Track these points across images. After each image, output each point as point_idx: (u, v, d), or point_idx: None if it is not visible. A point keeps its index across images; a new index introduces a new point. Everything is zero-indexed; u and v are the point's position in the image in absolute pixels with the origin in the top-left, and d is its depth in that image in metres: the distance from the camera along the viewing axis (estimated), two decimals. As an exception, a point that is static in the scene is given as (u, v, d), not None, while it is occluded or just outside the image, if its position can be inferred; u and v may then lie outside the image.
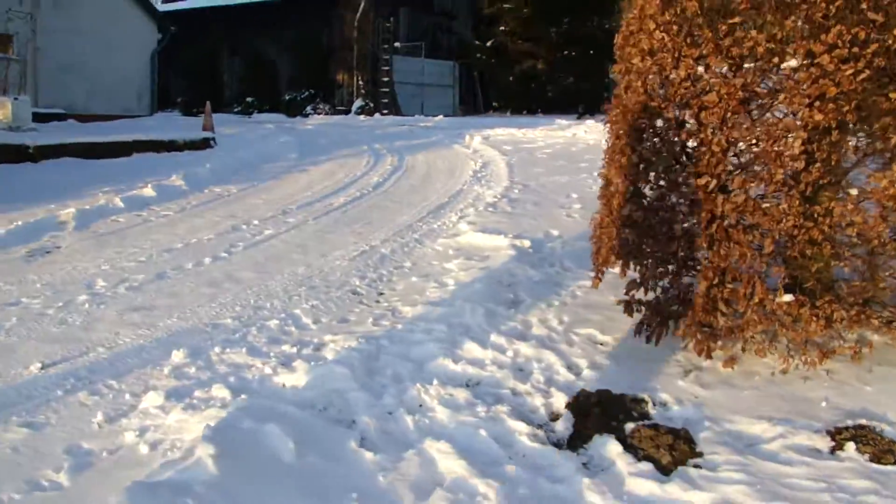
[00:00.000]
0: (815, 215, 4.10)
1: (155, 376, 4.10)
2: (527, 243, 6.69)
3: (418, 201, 9.45)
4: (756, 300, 4.03)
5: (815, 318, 4.04)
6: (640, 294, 4.31)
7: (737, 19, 4.01)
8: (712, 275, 4.05)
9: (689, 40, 4.01)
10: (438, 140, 17.30)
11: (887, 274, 4.19)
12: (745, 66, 4.08)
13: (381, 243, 7.17)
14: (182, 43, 26.15)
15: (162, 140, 14.47)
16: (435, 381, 3.87)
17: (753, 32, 4.00)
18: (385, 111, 26.78)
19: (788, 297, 4.07)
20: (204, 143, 15.14)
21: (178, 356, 4.29)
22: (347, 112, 26.82)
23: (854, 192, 4.06)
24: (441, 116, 26.11)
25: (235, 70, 30.10)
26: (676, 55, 4.00)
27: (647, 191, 4.28)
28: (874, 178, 4.02)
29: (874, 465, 3.22)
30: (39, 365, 4.21)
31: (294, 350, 4.46)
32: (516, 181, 10.60)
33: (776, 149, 3.99)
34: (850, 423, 3.62)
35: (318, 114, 26.61)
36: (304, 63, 27.68)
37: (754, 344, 4.18)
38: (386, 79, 27.27)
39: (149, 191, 9.46)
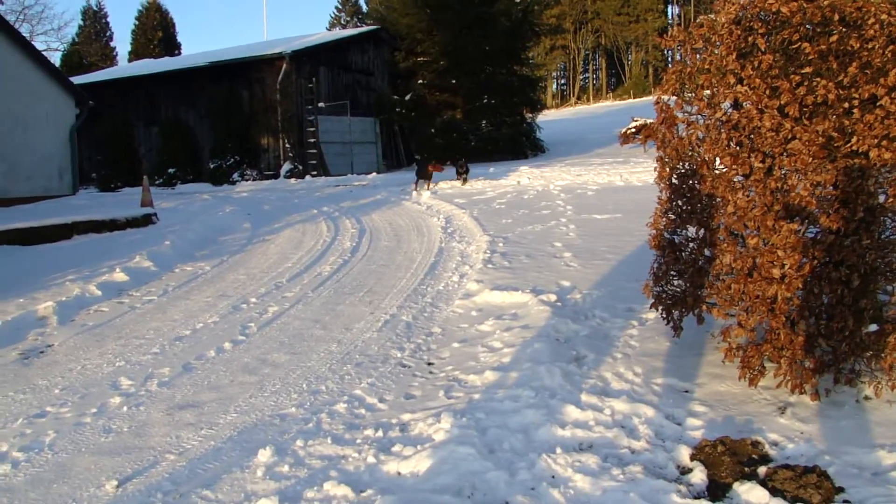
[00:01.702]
0: (889, 248, 4.23)
1: (250, 480, 3.85)
2: (553, 297, 6.65)
3: (405, 263, 9.31)
4: (847, 333, 4.09)
5: (900, 345, 4.14)
6: (739, 339, 4.29)
7: (808, 69, 4.09)
8: (809, 313, 4.08)
9: (768, 92, 4.06)
10: (384, 198, 17.21)
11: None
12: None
13: (398, 311, 7.00)
14: (94, 116, 25.44)
15: (103, 220, 13.88)
16: (559, 450, 3.79)
17: (824, 81, 4.09)
18: (314, 173, 26.51)
19: (874, 327, 4.17)
20: (146, 220, 14.60)
21: (264, 455, 4.04)
22: (276, 176, 26.42)
23: (919, 220, 4.17)
24: (374, 174, 26.07)
25: (153, 141, 29.31)
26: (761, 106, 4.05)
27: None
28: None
29: None
30: (115, 483, 3.90)
31: (380, 434, 4.28)
32: (492, 234, 10.58)
33: (854, 188, 4.06)
34: None
35: (246, 180, 26.12)
36: (225, 129, 27.16)
37: (843, 375, 4.25)
38: (312, 139, 27.03)
39: (120, 275, 9.02)
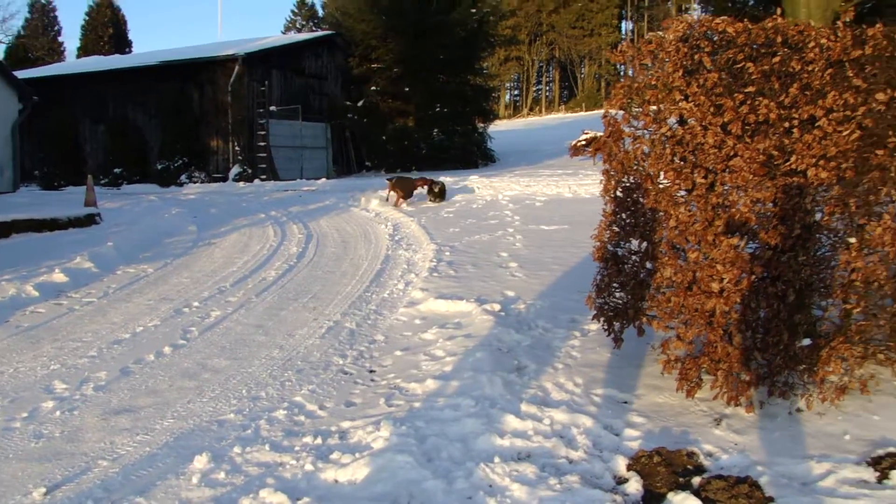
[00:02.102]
0: (823, 264, 4.35)
1: (185, 487, 3.78)
2: (497, 307, 6.67)
3: (351, 270, 9.26)
4: (782, 347, 4.19)
5: (832, 359, 4.27)
6: (677, 351, 4.35)
7: (752, 88, 4.18)
8: (746, 327, 4.16)
9: (712, 109, 4.13)
10: (333, 204, 17.12)
11: (887, 312, 4.47)
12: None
13: (341, 317, 6.96)
14: (39, 112, 24.90)
15: (44, 219, 13.55)
16: (497, 459, 3.80)
17: (766, 100, 4.18)
18: (263, 176, 26.26)
19: (807, 341, 4.29)
20: (89, 220, 14.30)
21: (200, 461, 3.97)
22: (225, 179, 26.11)
23: (853, 240, 4.30)
24: (324, 179, 25.91)
25: (100, 139, 28.72)
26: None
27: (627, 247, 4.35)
28: (870, 226, 4.28)
29: (921, 491, 3.44)
30: (43, 490, 3.78)
31: (319, 441, 4.23)
32: (439, 242, 10.59)
33: (792, 205, 4.16)
34: (880, 452, 3.88)
35: (194, 182, 25.76)
36: (175, 130, 26.75)
37: (777, 388, 4.35)
38: (262, 143, 26.79)
39: (59, 276, 8.81)
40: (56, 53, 59.39)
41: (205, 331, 6.63)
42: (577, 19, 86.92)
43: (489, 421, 4.28)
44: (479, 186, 19.23)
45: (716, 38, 4.46)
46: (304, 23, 67.72)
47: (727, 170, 4.21)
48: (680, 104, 4.22)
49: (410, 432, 4.12)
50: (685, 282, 4.21)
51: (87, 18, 57.85)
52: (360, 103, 31.99)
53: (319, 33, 36.17)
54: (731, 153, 4.18)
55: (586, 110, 75.59)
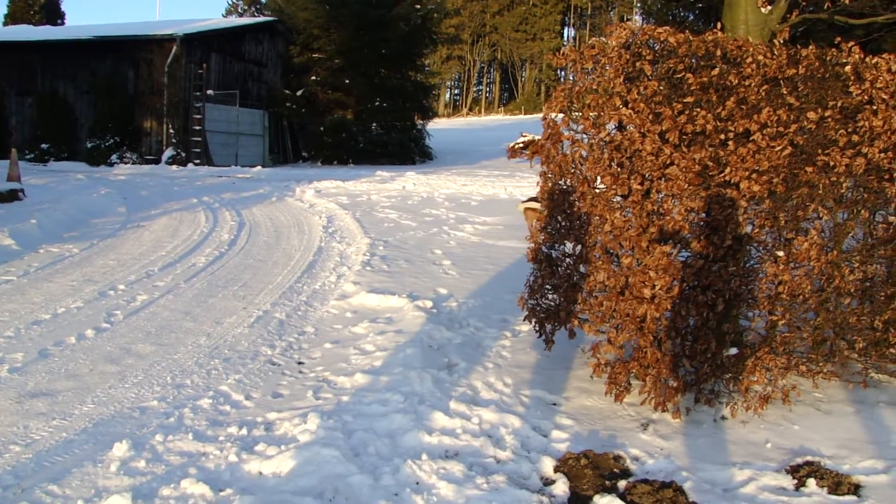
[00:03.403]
0: (752, 276, 4.46)
1: (102, 475, 3.66)
2: (429, 304, 6.65)
3: (283, 260, 9.13)
4: (710, 355, 4.28)
5: (757, 368, 4.38)
6: (608, 355, 4.40)
7: (690, 99, 4.25)
8: (675, 334, 4.23)
9: (651, 117, 4.19)
10: (267, 193, 16.87)
11: (810, 325, 4.62)
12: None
13: (271, 307, 6.85)
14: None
15: (-37, 192, 13.06)
16: (424, 456, 3.77)
17: (703, 112, 4.26)
18: (197, 161, 25.74)
19: (734, 350, 4.39)
20: (11, 195, 13.77)
21: (120, 449, 3.86)
22: (157, 161, 25.50)
23: (781, 253, 4.42)
24: (259, 167, 25.50)
25: (27, 112, 27.66)
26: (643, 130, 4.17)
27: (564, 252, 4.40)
28: (797, 241, 4.40)
29: (835, 497, 3.60)
30: (-52, 474, 3.62)
31: (244, 432, 4.15)
32: (373, 237, 10.53)
33: (724, 216, 4.25)
34: (799, 460, 3.98)
35: (125, 163, 25.08)
36: (107, 108, 25.95)
37: (703, 395, 4.45)
38: (198, 127, 26.23)
39: (-24, 252, 8.50)
40: (-19, 21, 57.15)
41: (130, 315, 6.46)
42: (521, 23, 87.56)
43: (417, 418, 4.26)
44: (415, 183, 19.22)
45: (657, 48, 4.52)
46: (245, 7, 66.50)
47: (663, 178, 4.27)
48: (620, 110, 4.27)
49: (338, 426, 4.08)
50: (618, 286, 4.26)
51: (16, -15, 55.81)
52: (299, 92, 31.62)
53: (261, 19, 35.65)
54: (668, 161, 4.25)
55: (525, 113, 76.16)
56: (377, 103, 31.53)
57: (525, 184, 19.48)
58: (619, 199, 4.37)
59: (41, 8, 54.23)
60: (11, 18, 52.09)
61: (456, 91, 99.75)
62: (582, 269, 4.58)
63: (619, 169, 4.29)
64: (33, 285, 7.41)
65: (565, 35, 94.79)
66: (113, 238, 10.34)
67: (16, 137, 26.16)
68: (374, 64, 31.24)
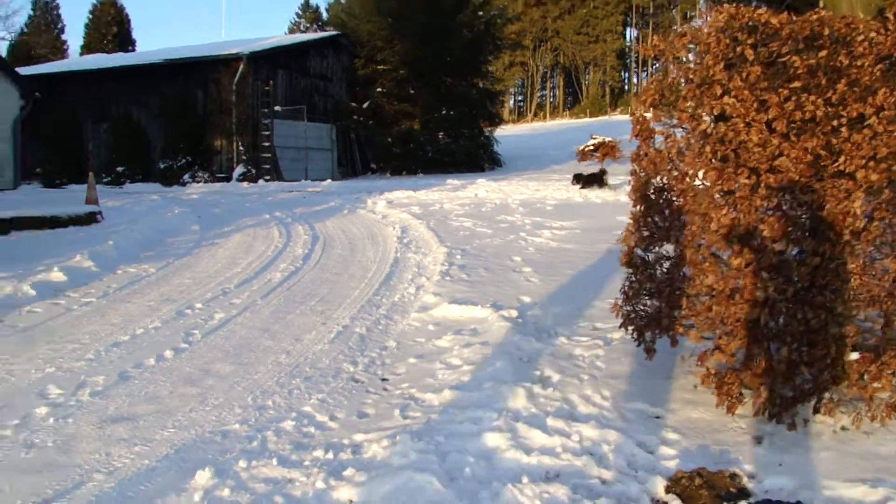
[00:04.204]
0: (876, 273, 4.07)
1: (187, 505, 3.46)
2: (514, 313, 6.39)
3: (359, 273, 8.97)
4: (829, 361, 3.91)
5: (882, 374, 3.99)
6: (718, 364, 4.06)
7: (797, 83, 3.90)
8: (791, 339, 3.88)
9: (756, 105, 3.85)
10: (339, 206, 16.82)
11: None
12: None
13: (351, 322, 6.67)
14: (41, 109, 24.60)
15: (44, 216, 13.28)
16: (525, 479, 3.51)
17: (812, 97, 3.91)
18: (268, 177, 26.00)
19: (855, 355, 4.01)
20: (90, 218, 14.03)
21: (203, 477, 3.68)
22: (228, 179, 25.84)
23: (904, 247, 4.02)
24: (329, 181, 25.64)
25: (102, 137, 28.45)
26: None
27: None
28: (922, 232, 3.99)
29: None
30: (31, 506, 3.48)
31: (330, 456, 3.94)
32: (449, 246, 10.30)
33: (840, 209, 3.88)
34: None
35: (197, 182, 25.50)
36: (178, 129, 26.49)
37: (823, 404, 4.08)
38: (267, 143, 26.50)
39: (57, 275, 8.52)
40: (59, 51, 59.17)
41: (208, 334, 6.35)
42: (582, 25, 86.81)
43: (514, 436, 3.99)
44: (486, 190, 18.99)
45: (758, 30, 4.17)
46: (308, 25, 67.54)
47: (772, 170, 3.92)
48: (722, 99, 3.93)
49: (430, 448, 3.83)
50: (727, 289, 3.92)
51: (90, 16, 57.64)
52: (365, 105, 31.73)
53: (325, 34, 35.95)
54: (777, 152, 3.90)
55: (591, 116, 75.39)
56: (443, 112, 31.41)
57: (598, 187, 19.08)
58: (721, 195, 4.03)
59: (114, 37, 55.95)
60: (87, 49, 53.91)
61: (520, 97, 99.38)
62: (685, 271, 4.24)
63: (723, 163, 3.95)
64: (112, 306, 7.38)
65: (628, 35, 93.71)
66: (188, 256, 10.35)
67: (92, 162, 26.83)
68: (438, 73, 31.15)
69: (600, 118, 71.14)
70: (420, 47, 30.49)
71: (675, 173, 4.35)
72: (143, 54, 36.82)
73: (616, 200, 16.00)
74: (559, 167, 30.55)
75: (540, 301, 7.02)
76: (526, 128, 68.27)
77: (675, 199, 4.31)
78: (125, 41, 57.20)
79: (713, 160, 4.00)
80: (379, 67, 32.11)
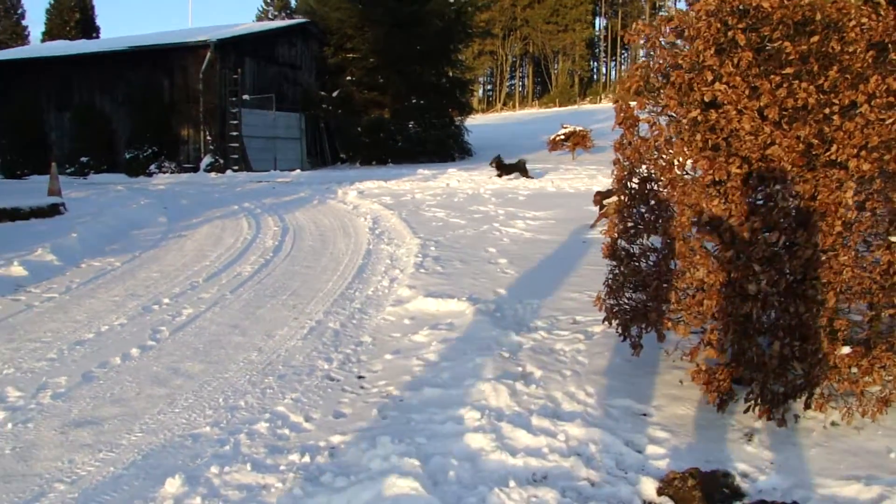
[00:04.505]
0: (866, 265, 3.97)
1: (155, 515, 3.27)
2: (492, 307, 6.26)
3: (331, 265, 8.76)
4: (821, 356, 3.80)
5: (874, 368, 3.89)
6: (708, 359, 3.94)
7: (789, 70, 3.77)
8: (783, 334, 3.75)
9: (748, 92, 3.72)
10: (308, 196, 16.55)
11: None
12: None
13: (324, 316, 6.47)
14: (0, 97, 24.03)
15: (4, 208, 12.84)
16: (512, 482, 3.36)
17: (805, 84, 3.78)
18: (236, 167, 25.58)
19: (846, 350, 3.92)
20: (53, 210, 13.63)
21: (173, 485, 3.48)
22: (196, 170, 25.39)
23: (895, 239, 3.92)
24: (298, 171, 25.30)
25: (65, 126, 27.76)
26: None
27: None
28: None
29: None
30: (-13, 518, 3.27)
31: (307, 459, 3.76)
32: (423, 237, 10.12)
33: (832, 200, 3.76)
34: None
35: (164, 172, 25.02)
36: (144, 118, 25.93)
37: (814, 400, 3.97)
38: (235, 133, 26.05)
39: (18, 269, 8.22)
40: (19, 38, 57.91)
41: (176, 330, 6.12)
42: (552, 14, 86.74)
43: (498, 437, 3.84)
44: (458, 180, 18.82)
45: (749, 14, 4.03)
46: (276, 13, 66.66)
47: (763, 159, 3.79)
48: (714, 86, 3.79)
49: (411, 450, 3.67)
50: (718, 283, 3.78)
51: (52, 2, 56.30)
52: (334, 94, 31.34)
53: (294, 21, 35.41)
54: (769, 141, 3.76)
55: (560, 106, 75.35)
56: (414, 101, 31.10)
57: (570, 176, 19.02)
58: (712, 185, 3.89)
59: (77, 23, 54.74)
60: (49, 35, 52.68)
61: (489, 87, 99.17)
62: (673, 264, 4.10)
63: (714, 152, 3.81)
64: (76, 302, 7.12)
65: (597, 25, 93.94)
66: (155, 249, 10.07)
67: (56, 152, 26.25)
68: (409, 61, 30.80)
69: (569, 108, 71.16)
70: (390, 35, 30.12)
71: (662, 163, 4.21)
72: (107, 41, 36.04)
73: (541, 189, 16.04)
74: (530, 156, 30.23)
75: (517, 293, 6.87)
76: (495, 117, 68.08)
77: (661, 189, 4.16)
78: (89, 28, 55.99)
79: (705, 149, 3.86)
80: (349, 56, 31.72)
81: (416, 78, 31.30)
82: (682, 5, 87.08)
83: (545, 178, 18.74)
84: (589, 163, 25.41)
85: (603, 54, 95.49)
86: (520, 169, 19.00)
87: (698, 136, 3.86)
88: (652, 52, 4.43)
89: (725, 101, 3.80)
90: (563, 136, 27.66)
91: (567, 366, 4.96)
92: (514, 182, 17.75)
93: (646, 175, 4.40)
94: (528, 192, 15.93)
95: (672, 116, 4.13)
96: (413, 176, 20.72)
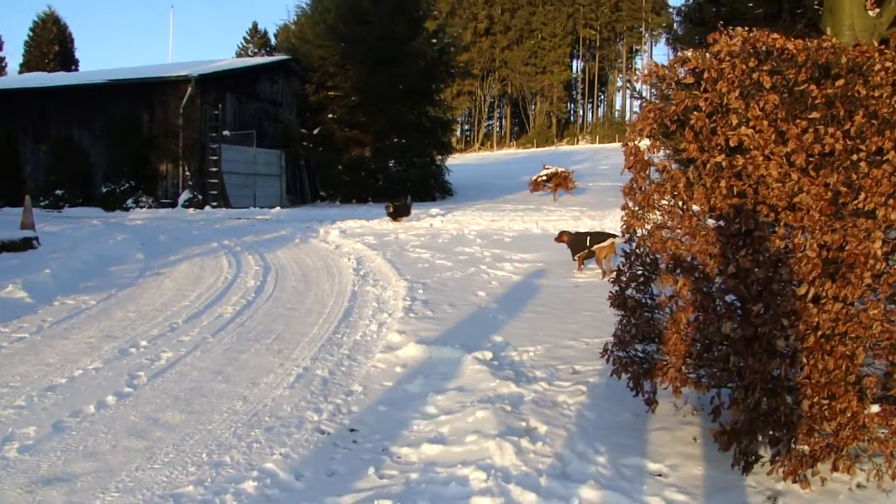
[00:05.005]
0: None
1: (134, 590, 2.94)
2: (489, 355, 5.98)
3: (316, 307, 8.46)
4: (850, 414, 3.57)
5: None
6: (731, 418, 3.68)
7: (815, 114, 3.59)
8: (811, 392, 3.52)
9: (775, 137, 3.52)
10: (290, 235, 16.24)
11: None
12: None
13: (311, 363, 6.17)
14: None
15: (-27, 241, 12.45)
16: (528, 559, 3.03)
17: (831, 129, 3.59)
18: (215, 203, 25.23)
19: (876, 408, 3.68)
20: (25, 244, 13.22)
21: (153, 554, 3.14)
22: (174, 205, 25.01)
23: (927, 290, 3.72)
24: (278, 208, 25.02)
25: (41, 159, 27.25)
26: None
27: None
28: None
29: None
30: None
31: (300, 526, 3.43)
32: (409, 279, 9.85)
33: (861, 250, 3.55)
34: None
35: (141, 207, 24.62)
36: (122, 152, 25.51)
37: (842, 461, 3.73)
38: (214, 169, 25.73)
39: (-14, 307, 7.86)
40: (-3, 69, 57.44)
41: (155, 376, 5.78)
42: (530, 56, 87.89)
43: (506, 501, 3.55)
44: (441, 220, 18.62)
45: (773, 56, 3.86)
46: (255, 50, 66.69)
47: (790, 207, 3.58)
48: (739, 130, 3.59)
49: (411, 517, 3.37)
50: (743, 338, 3.55)
51: (31, 34, 55.92)
52: (315, 131, 31.20)
53: (276, 58, 35.30)
54: (796, 188, 3.56)
55: (537, 146, 75.98)
56: (395, 140, 31.05)
57: (555, 217, 18.89)
58: (739, 234, 3.67)
59: (56, 55, 54.41)
60: (27, 67, 52.25)
61: (467, 127, 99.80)
62: (693, 317, 3.86)
63: (740, 199, 3.60)
64: (47, 343, 6.76)
65: (574, 67, 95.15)
66: (132, 287, 9.72)
67: (30, 185, 25.77)
68: (391, 100, 30.77)
69: (547, 148, 71.76)
70: (372, 74, 30.13)
71: (679, 211, 4.00)
72: (86, 74, 35.68)
73: (526, 230, 15.91)
74: (512, 197, 30.37)
75: (512, 341, 6.61)
76: (473, 157, 68.40)
77: (681, 238, 3.94)
78: (68, 60, 55.62)
79: (729, 196, 3.65)
80: (330, 93, 31.65)
81: (397, 117, 31.25)
82: (658, 51, 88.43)
83: (528, 218, 18.56)
84: (571, 204, 25.38)
85: (580, 96, 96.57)
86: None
87: (722, 183, 3.65)
88: (667, 93, 4.25)
89: (752, 147, 3.60)
90: (545, 177, 27.67)
91: (572, 420, 4.69)
92: (499, 223, 17.56)
93: (660, 223, 4.18)
94: (514, 233, 15.73)
95: (684, 162, 3.92)
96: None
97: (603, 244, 10.01)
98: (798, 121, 3.64)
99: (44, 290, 9.00)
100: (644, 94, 26.04)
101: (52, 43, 55.06)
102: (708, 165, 3.77)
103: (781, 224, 3.59)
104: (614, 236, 10.01)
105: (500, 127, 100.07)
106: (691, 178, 3.86)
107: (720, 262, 3.62)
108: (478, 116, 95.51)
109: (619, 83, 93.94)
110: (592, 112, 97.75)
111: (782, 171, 3.53)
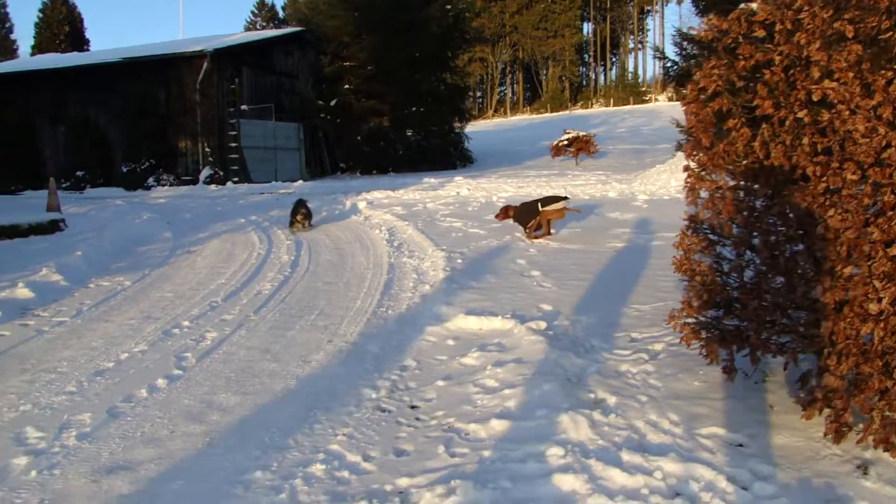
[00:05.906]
0: None
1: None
2: (542, 325, 5.85)
3: (355, 281, 8.34)
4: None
5: None
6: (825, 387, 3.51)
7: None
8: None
9: (860, 90, 3.31)
10: (315, 208, 16.01)
11: None
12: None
13: (360, 338, 6.07)
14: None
15: (2, 225, 12.38)
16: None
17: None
18: (236, 179, 25.12)
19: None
20: (53, 226, 13.19)
21: (233, 545, 3.04)
22: (195, 182, 24.92)
23: None
24: (300, 182, 24.87)
25: (60, 141, 27.26)
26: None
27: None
28: None
29: None
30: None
31: (378, 508, 3.32)
32: (445, 249, 9.69)
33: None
34: None
35: (162, 185, 24.57)
36: (140, 130, 25.42)
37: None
38: (234, 144, 25.58)
39: (23, 291, 7.78)
40: (8, 52, 57.41)
41: (202, 357, 5.69)
42: (541, 20, 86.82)
43: (590, 477, 3.42)
44: (468, 188, 18.43)
45: (852, 4, 3.63)
46: (264, 24, 66.27)
47: (878, 163, 3.39)
48: (822, 83, 3.39)
49: (497, 497, 3.25)
50: (834, 302, 3.37)
51: (40, 16, 55.79)
52: (332, 102, 30.93)
53: (290, 29, 34.98)
54: (884, 143, 3.36)
55: (551, 111, 75.25)
56: (413, 109, 30.73)
57: (581, 181, 18.66)
58: (824, 194, 3.48)
59: (66, 36, 54.27)
60: (38, 49, 52.18)
61: (479, 94, 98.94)
62: (776, 281, 3.69)
63: (826, 157, 3.41)
64: (89, 326, 6.68)
65: (586, 30, 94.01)
66: (165, 266, 9.64)
67: (50, 167, 25.77)
68: (407, 68, 30.41)
69: (561, 113, 71.03)
70: (388, 42, 29.75)
71: (754, 167, 3.81)
72: (99, 53, 35.45)
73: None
74: (533, 163, 30.07)
75: (563, 309, 6.46)
76: (488, 124, 67.78)
77: (757, 200, 3.76)
78: (78, 41, 55.51)
79: (813, 154, 3.45)
80: (346, 64, 31.35)
81: (414, 85, 30.92)
82: (670, 9, 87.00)
83: (554, 184, 18.34)
84: (594, 168, 25.10)
85: (592, 60, 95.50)
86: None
87: (805, 140, 3.46)
88: (692, 52, 4.03)
89: (837, 100, 3.40)
90: (566, 142, 27.35)
91: (640, 390, 4.55)
92: (525, 190, 17.36)
93: (734, 184, 4.00)
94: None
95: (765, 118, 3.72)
96: (419, 185, 20.33)
97: (553, 206, 10.07)
98: (884, 71, 3.42)
99: (77, 272, 8.94)
100: (667, 54, 25.61)
101: (62, 24, 54.94)
102: (787, 122, 3.57)
103: (870, 181, 3.39)
104: (565, 198, 10.78)
105: (513, 93, 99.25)
106: (765, 136, 3.67)
107: (808, 223, 3.44)
108: (490, 83, 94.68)
109: (632, 45, 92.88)
110: (605, 75, 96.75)
111: (869, 125, 3.33)
